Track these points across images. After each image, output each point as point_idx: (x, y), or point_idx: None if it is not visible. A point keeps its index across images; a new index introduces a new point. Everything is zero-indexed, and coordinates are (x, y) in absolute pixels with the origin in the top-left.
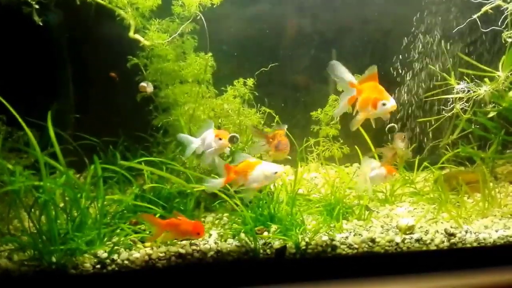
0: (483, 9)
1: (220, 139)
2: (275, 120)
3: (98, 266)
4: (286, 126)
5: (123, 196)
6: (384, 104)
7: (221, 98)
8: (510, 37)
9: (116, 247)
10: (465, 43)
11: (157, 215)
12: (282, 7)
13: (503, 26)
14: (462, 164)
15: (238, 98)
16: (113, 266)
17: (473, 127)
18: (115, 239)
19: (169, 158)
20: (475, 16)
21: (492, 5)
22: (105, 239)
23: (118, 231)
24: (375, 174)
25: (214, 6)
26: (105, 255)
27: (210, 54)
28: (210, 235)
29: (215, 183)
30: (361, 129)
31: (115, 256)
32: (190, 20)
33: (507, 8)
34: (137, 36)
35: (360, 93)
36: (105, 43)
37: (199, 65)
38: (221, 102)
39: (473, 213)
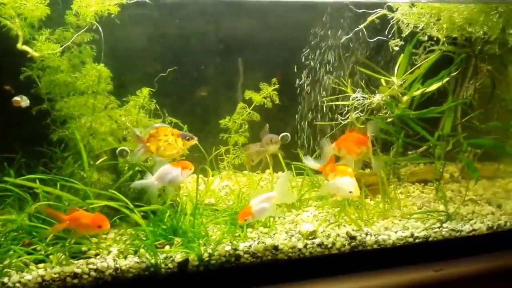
0: (369, 18)
1: (190, 169)
2: (184, 130)
3: None
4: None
5: (16, 215)
6: None
7: (124, 109)
8: (397, 46)
9: (6, 270)
10: (363, 52)
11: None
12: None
13: (390, 36)
14: (368, 167)
15: (136, 109)
16: None
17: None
18: (6, 261)
19: (67, 174)
20: (361, 26)
21: (378, 15)
22: None
23: (11, 252)
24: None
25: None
26: None
27: (102, 64)
28: (109, 252)
29: (312, 163)
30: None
31: (5, 279)
32: (84, 29)
33: (393, 17)
34: (26, 47)
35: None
36: None
37: (93, 76)
38: (123, 113)
39: (375, 215)
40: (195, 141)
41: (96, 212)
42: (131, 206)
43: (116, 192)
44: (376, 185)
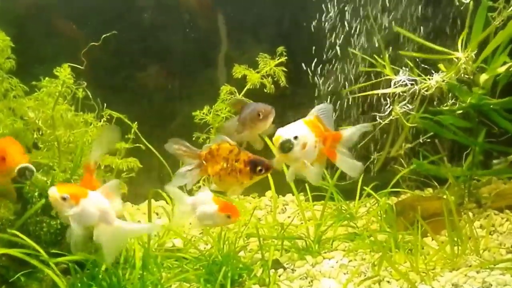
0: None
1: (229, 217)
2: (132, 130)
3: None
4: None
5: None
6: None
7: (35, 98)
8: None
9: None
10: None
11: None
12: None
13: None
14: (428, 184)
15: (52, 97)
16: None
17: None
18: None
19: None
20: None
21: None
22: None
23: None
24: None
25: None
26: None
27: None
28: None
29: None
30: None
31: None
32: None
33: None
34: None
35: None
36: None
37: None
38: (33, 104)
39: (438, 263)
40: (267, 172)
41: None
42: (45, 255)
43: (20, 234)
44: (441, 216)
